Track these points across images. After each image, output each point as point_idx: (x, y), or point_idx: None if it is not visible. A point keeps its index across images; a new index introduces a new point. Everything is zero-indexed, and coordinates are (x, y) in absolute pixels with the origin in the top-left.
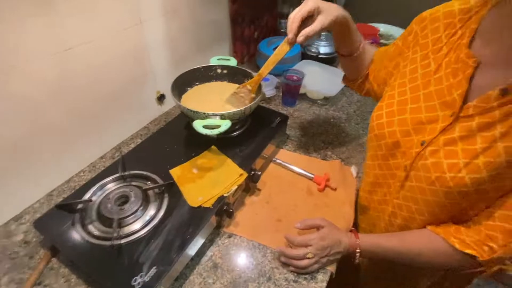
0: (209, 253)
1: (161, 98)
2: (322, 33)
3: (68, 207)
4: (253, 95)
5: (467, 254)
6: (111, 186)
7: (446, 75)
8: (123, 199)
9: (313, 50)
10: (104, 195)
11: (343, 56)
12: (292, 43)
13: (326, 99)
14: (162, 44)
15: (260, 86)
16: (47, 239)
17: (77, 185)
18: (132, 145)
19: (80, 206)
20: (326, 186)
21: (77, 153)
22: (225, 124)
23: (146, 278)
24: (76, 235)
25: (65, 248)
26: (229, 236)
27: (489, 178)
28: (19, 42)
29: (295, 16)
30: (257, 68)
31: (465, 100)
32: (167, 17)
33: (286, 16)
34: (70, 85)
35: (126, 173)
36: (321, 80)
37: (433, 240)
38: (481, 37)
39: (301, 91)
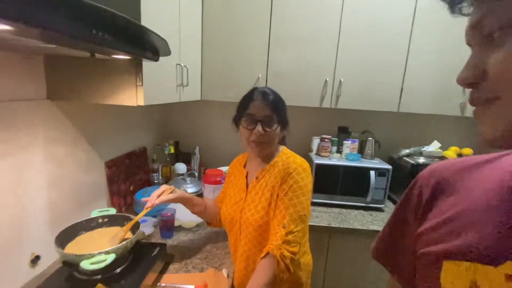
0: None
1: (35, 260)
2: (188, 178)
3: None
4: (123, 234)
5: (266, 255)
6: None
7: (240, 178)
8: None
9: (182, 190)
10: None
11: (195, 213)
12: (149, 206)
13: (198, 225)
14: (42, 210)
15: (138, 226)
16: None
17: None
18: None
19: None
20: None
21: None
22: (110, 257)
23: None
24: None
25: None
26: None
27: (265, 213)
28: None
29: (153, 193)
30: (135, 213)
31: (248, 186)
32: (51, 188)
33: (156, 171)
34: None
35: None
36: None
37: (258, 266)
38: (248, 162)
39: (176, 224)
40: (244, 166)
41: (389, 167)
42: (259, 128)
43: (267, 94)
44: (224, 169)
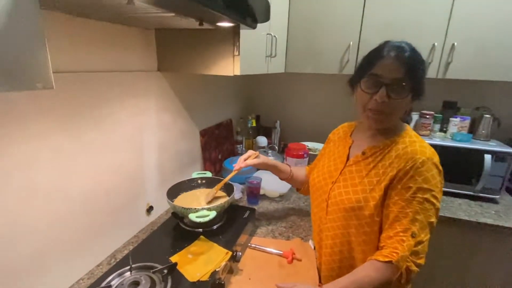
0: None
1: (149, 209)
2: (269, 151)
3: None
4: (215, 192)
5: (387, 262)
6: (125, 275)
7: (340, 146)
8: (135, 285)
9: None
10: (119, 282)
11: (282, 179)
12: (237, 169)
13: (281, 196)
14: (154, 167)
15: (232, 189)
16: None
17: None
18: (125, 251)
19: None
20: (293, 258)
21: (76, 264)
22: (212, 214)
23: None
24: None
25: None
26: None
27: (363, 198)
28: (66, 171)
29: (241, 157)
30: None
31: (349, 158)
32: (160, 150)
33: (240, 142)
34: (82, 205)
35: (134, 265)
36: (275, 182)
37: (368, 265)
38: (355, 132)
39: (261, 192)
40: (351, 135)
41: None
42: (382, 93)
43: (403, 50)
44: (307, 144)
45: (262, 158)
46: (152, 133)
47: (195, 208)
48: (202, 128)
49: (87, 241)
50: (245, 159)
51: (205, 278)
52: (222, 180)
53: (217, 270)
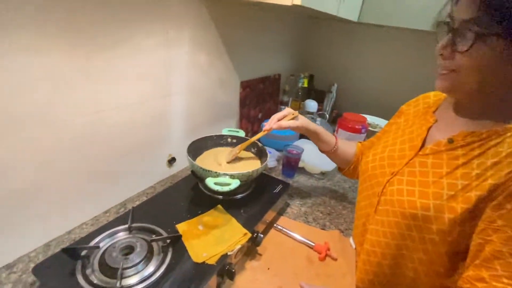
0: None
1: (171, 161)
2: (318, 119)
3: (74, 252)
4: (237, 151)
5: None
6: (119, 236)
7: (416, 125)
8: (128, 250)
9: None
10: (110, 243)
11: (323, 152)
12: (267, 129)
13: (322, 173)
14: (182, 114)
15: (266, 155)
16: (43, 286)
17: (78, 237)
18: (138, 202)
19: (85, 252)
20: (326, 255)
21: (81, 206)
22: (235, 183)
23: None
24: (75, 283)
25: None
26: None
27: (434, 206)
28: (63, 100)
29: (274, 116)
30: (258, 141)
31: (424, 145)
32: (191, 94)
33: (286, 103)
34: (89, 142)
35: (134, 225)
36: (318, 156)
37: None
38: (442, 108)
39: (300, 164)
40: (435, 111)
41: None
42: (443, 41)
43: None
44: (367, 117)
45: (301, 120)
46: (182, 71)
47: (216, 172)
48: (244, 78)
49: (97, 184)
50: (279, 119)
51: (212, 261)
52: (258, 144)
53: (228, 254)
